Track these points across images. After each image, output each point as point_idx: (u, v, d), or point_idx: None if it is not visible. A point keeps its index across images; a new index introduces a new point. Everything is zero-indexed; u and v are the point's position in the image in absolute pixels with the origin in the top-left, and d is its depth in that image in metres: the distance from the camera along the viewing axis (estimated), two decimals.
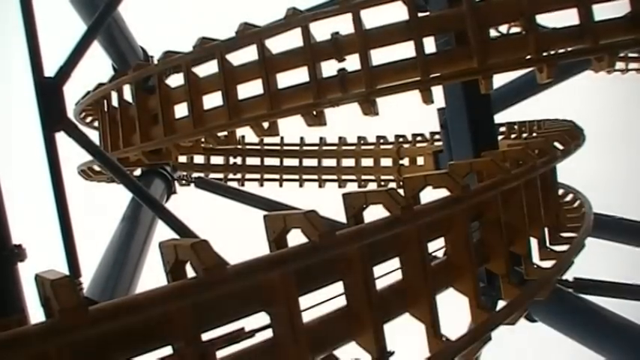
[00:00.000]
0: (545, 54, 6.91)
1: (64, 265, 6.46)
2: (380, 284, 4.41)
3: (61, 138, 6.92)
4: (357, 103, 7.37)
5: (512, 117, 14.95)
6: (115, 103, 10.14)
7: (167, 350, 3.22)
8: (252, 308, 3.63)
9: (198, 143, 14.55)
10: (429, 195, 5.12)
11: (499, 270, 5.83)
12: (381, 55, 7.46)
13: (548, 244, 7.16)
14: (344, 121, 10.17)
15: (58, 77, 6.87)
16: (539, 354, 24.00)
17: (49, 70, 6.84)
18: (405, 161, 16.23)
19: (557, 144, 8.48)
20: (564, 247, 7.19)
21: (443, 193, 5.08)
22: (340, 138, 16.80)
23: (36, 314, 2.98)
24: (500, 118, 13.59)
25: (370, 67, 7.36)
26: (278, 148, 17.11)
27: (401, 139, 16.55)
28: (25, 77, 6.72)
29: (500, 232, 5.76)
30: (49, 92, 6.76)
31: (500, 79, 10.24)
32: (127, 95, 9.84)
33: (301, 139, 16.92)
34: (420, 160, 15.86)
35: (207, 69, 8.59)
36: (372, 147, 16.70)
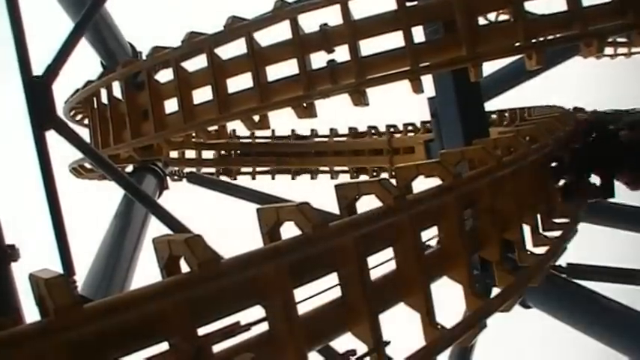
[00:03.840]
0: (534, 41, 6.93)
1: (57, 263, 6.46)
2: (374, 274, 4.42)
3: (52, 136, 6.91)
4: (347, 94, 7.37)
5: (503, 104, 14.97)
6: (104, 100, 10.11)
7: (164, 346, 3.22)
8: (248, 302, 3.63)
9: (189, 138, 14.53)
10: (422, 184, 5.13)
11: (492, 257, 5.84)
12: (370, 46, 7.47)
13: (541, 230, 7.18)
14: (335, 113, 10.16)
15: (46, 75, 6.86)
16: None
17: (38, 68, 6.83)
18: None
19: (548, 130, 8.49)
20: (557, 233, 7.21)
21: (435, 182, 5.09)
22: (331, 129, 16.78)
23: (31, 314, 2.98)
24: (490, 105, 13.63)
25: (359, 58, 7.37)
26: (269, 141, 17.07)
27: (392, 129, 16.54)
28: (14, 76, 6.72)
29: (493, 219, 5.77)
30: (38, 91, 6.75)
31: (489, 67, 10.26)
32: (117, 92, 9.81)
33: (292, 131, 16.89)
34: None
35: (196, 63, 8.57)
36: (363, 137, 16.69)
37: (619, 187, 7.52)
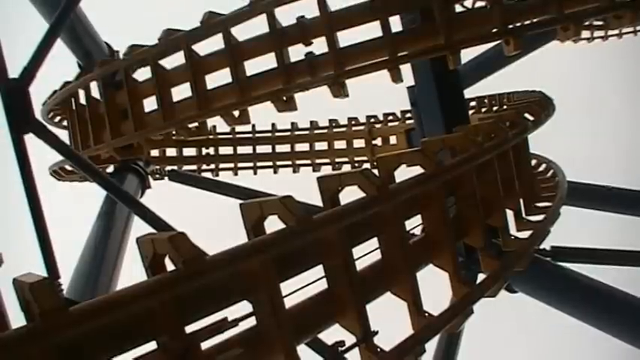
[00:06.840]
0: (510, 26, 6.95)
1: (41, 267, 6.42)
2: (360, 265, 4.42)
3: (31, 139, 6.86)
4: (327, 85, 7.37)
5: (483, 91, 15.03)
6: (83, 100, 10.03)
7: (152, 345, 3.22)
8: (234, 298, 3.63)
9: (170, 136, 14.46)
10: (404, 173, 5.14)
11: (477, 243, 5.87)
12: (348, 37, 7.46)
13: (524, 214, 7.22)
14: (314, 105, 10.15)
15: (23, 78, 6.80)
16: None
17: (14, 71, 6.77)
18: (378, 141, 16.24)
19: (527, 115, 8.53)
20: (540, 217, 7.25)
21: (417, 170, 5.10)
22: (312, 122, 16.75)
23: (17, 319, 2.96)
24: (470, 92, 13.68)
25: (337, 50, 7.35)
26: (250, 136, 17.01)
27: (372, 120, 16.55)
28: None
29: (476, 205, 5.79)
30: (15, 94, 6.69)
31: (468, 54, 10.29)
32: (95, 92, 9.73)
33: (273, 125, 16.84)
34: (393, 140, 15.88)
35: (174, 60, 8.52)
36: (343, 129, 16.68)
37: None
